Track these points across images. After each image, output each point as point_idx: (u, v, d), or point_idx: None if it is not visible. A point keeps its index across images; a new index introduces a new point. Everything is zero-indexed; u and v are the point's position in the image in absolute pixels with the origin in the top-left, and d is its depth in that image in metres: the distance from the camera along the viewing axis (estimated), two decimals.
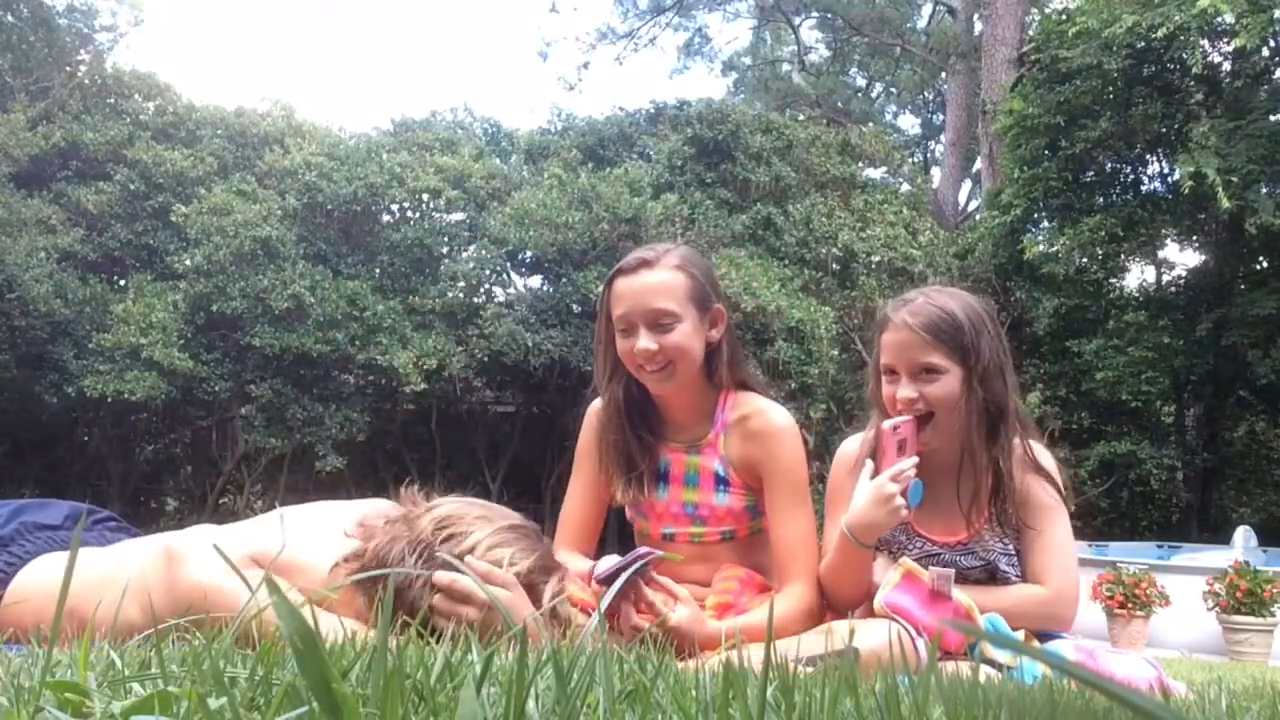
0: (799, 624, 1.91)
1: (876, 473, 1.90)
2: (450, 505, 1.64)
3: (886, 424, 1.90)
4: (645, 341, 2.01)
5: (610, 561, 1.85)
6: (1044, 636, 1.96)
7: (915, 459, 1.87)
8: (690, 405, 2.13)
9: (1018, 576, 1.98)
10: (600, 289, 2.23)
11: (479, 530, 1.59)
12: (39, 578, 1.68)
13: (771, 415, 2.09)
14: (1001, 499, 1.95)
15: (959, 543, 1.99)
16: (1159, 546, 10.41)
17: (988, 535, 1.98)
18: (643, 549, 1.82)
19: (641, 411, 2.16)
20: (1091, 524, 12.43)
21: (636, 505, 2.20)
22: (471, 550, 1.56)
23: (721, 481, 2.11)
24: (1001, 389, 1.94)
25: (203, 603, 1.40)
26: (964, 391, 1.91)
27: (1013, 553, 1.98)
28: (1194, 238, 14.09)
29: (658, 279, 2.06)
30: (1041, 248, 12.54)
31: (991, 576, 1.98)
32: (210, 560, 1.48)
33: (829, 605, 2.02)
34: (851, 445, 2.11)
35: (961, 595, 1.85)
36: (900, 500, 1.84)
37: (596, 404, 2.25)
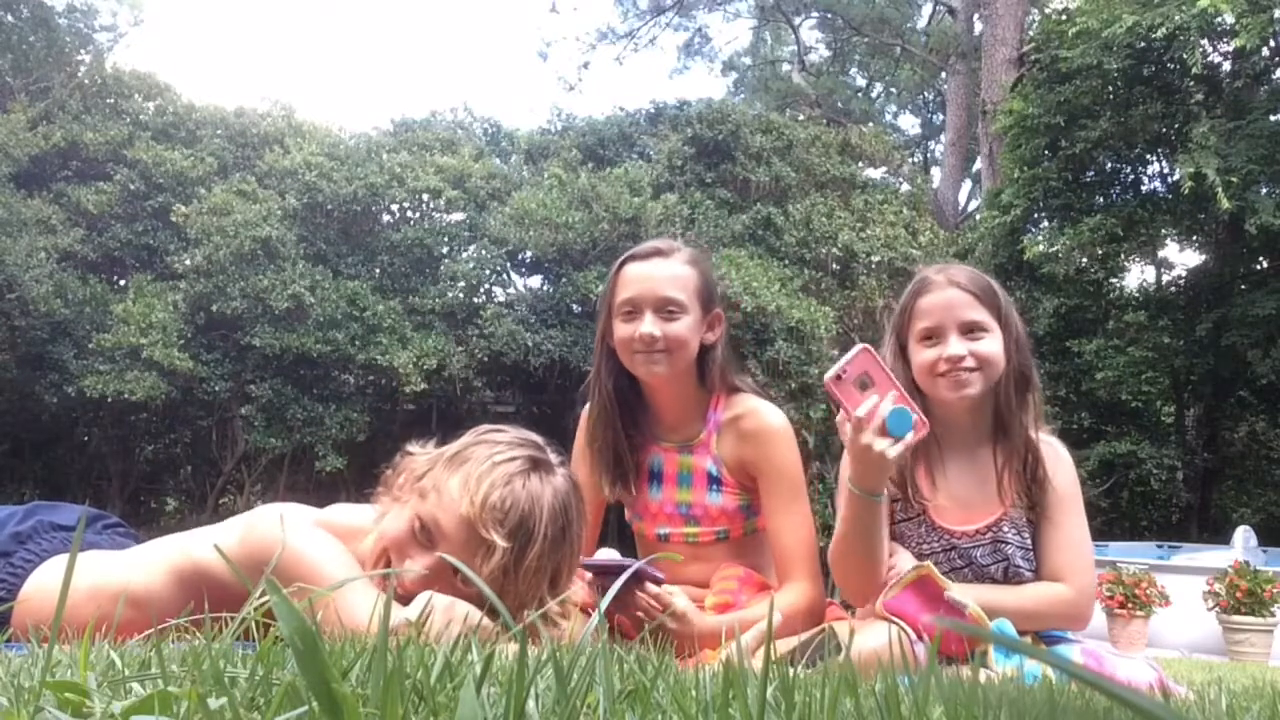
0: (800, 622, 1.90)
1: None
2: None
3: (828, 375, 1.78)
4: (650, 326, 2.02)
5: (606, 554, 1.85)
6: (1049, 640, 1.93)
7: (894, 393, 1.76)
8: (681, 404, 2.14)
9: (1031, 572, 1.92)
10: (601, 289, 2.23)
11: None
12: (58, 578, 1.69)
13: (765, 415, 2.08)
14: (1030, 470, 1.91)
15: (978, 532, 1.92)
16: (1159, 546, 10.41)
17: (1007, 526, 1.92)
18: (641, 565, 1.79)
19: (632, 410, 2.16)
20: (1091, 524, 12.30)
21: (632, 506, 2.21)
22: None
23: (714, 481, 2.11)
24: (1029, 361, 1.95)
25: (293, 566, 1.46)
26: (1004, 354, 1.91)
27: (1029, 546, 1.93)
28: (1194, 238, 14.10)
29: (671, 268, 2.08)
30: (1041, 248, 12.53)
31: (1004, 573, 1.92)
32: (291, 526, 1.52)
33: (845, 591, 1.97)
34: None
35: (974, 607, 1.77)
36: (881, 441, 1.72)
37: (590, 408, 2.25)
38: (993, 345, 1.90)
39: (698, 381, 2.12)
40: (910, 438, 1.74)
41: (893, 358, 1.98)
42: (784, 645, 1.68)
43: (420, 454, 1.68)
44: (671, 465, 2.14)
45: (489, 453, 1.61)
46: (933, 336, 1.92)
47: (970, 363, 1.88)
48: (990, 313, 1.91)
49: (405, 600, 1.52)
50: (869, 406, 1.73)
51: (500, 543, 1.53)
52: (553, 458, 1.67)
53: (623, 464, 2.14)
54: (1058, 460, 1.95)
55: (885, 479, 1.80)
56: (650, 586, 1.81)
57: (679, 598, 1.81)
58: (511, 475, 1.58)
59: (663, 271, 2.07)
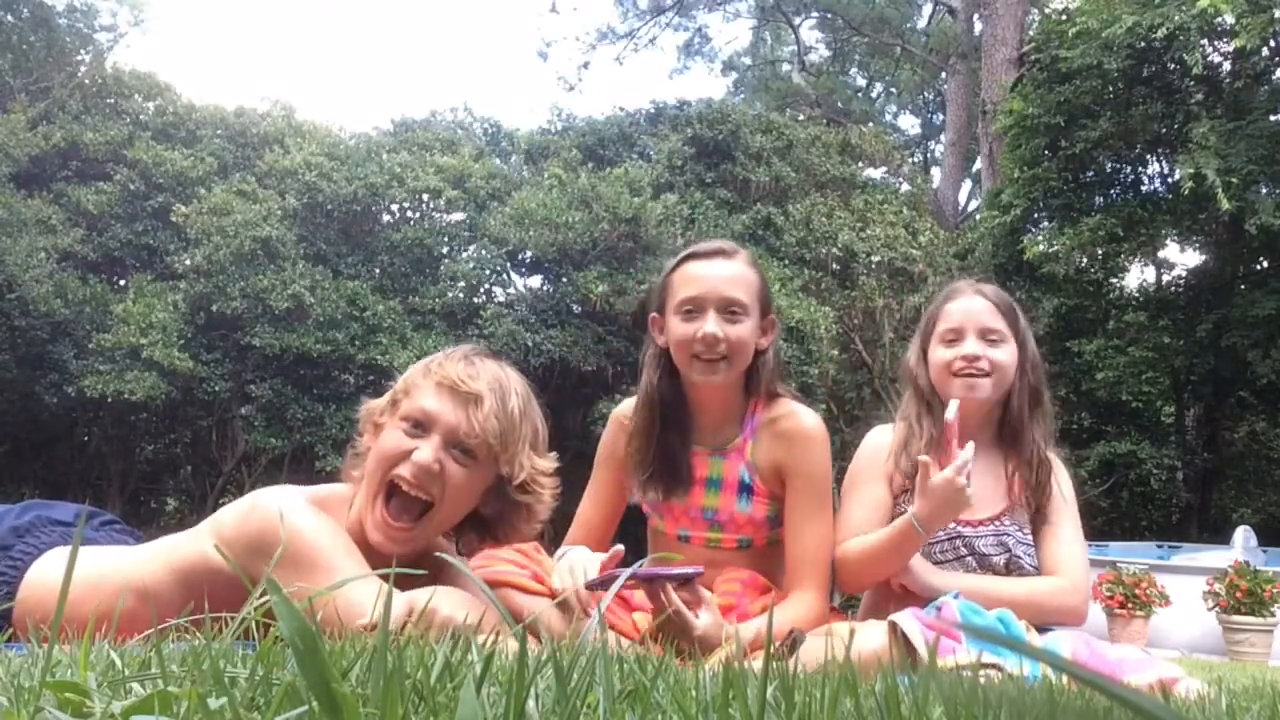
0: (806, 629, 1.89)
1: (943, 463, 1.91)
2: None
3: (949, 415, 1.94)
4: (713, 326, 1.97)
5: (641, 567, 1.81)
6: (1044, 627, 1.97)
7: (971, 445, 1.91)
8: (723, 408, 2.09)
9: (1033, 568, 2.04)
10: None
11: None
12: (59, 570, 1.70)
13: (803, 417, 2.06)
14: (1037, 480, 2.07)
15: (981, 523, 2.05)
16: (1159, 546, 10.41)
17: (1008, 521, 2.05)
18: (687, 569, 1.75)
19: (674, 413, 2.10)
20: (1091, 524, 12.40)
21: (654, 505, 2.16)
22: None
23: (746, 489, 2.07)
24: (1041, 379, 2.14)
25: (293, 550, 1.49)
26: (1017, 372, 2.08)
27: (1030, 543, 2.06)
28: (1194, 238, 14.08)
29: (735, 269, 2.04)
30: (1041, 248, 12.52)
31: (1006, 565, 2.03)
32: (290, 508, 1.57)
33: (845, 585, 2.06)
34: (882, 436, 2.15)
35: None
36: (968, 490, 1.88)
37: (618, 411, 2.21)
38: (1006, 355, 2.07)
39: (742, 386, 2.08)
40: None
41: (916, 361, 2.15)
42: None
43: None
44: (702, 468, 2.09)
45: (434, 355, 1.79)
46: (953, 339, 2.08)
47: (984, 365, 2.04)
48: (1008, 326, 2.09)
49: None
50: (967, 458, 1.88)
51: (483, 389, 1.65)
52: None
53: (677, 469, 2.08)
54: (1058, 472, 2.13)
55: (952, 520, 1.96)
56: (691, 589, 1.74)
57: (704, 614, 1.73)
58: (465, 354, 1.74)
59: (726, 271, 2.03)
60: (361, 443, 1.77)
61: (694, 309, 2.00)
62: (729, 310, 1.99)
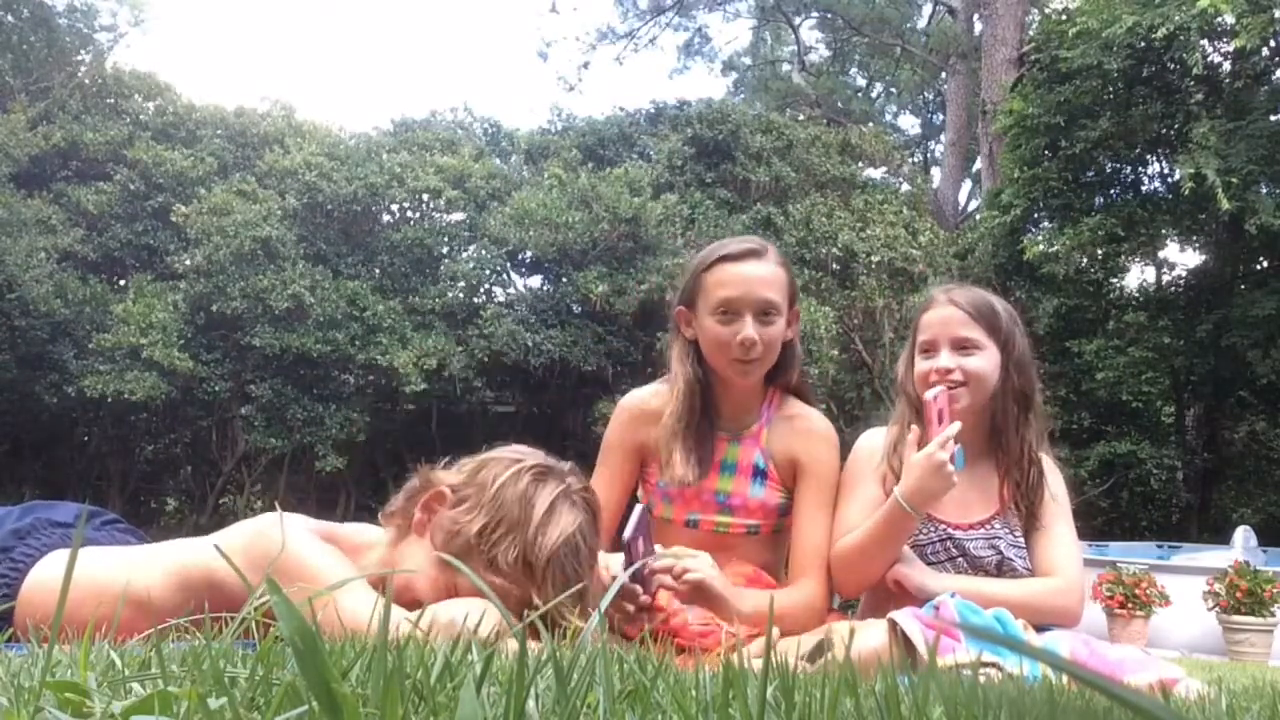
0: (807, 617, 1.94)
1: (924, 441, 1.94)
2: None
3: (929, 394, 1.96)
4: (750, 330, 2.01)
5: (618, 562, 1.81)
6: (1042, 627, 1.98)
7: (958, 424, 1.93)
8: (748, 396, 2.16)
9: (1025, 569, 2.04)
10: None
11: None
12: (59, 573, 1.69)
13: (819, 420, 2.16)
14: (1028, 482, 2.06)
15: (971, 526, 2.05)
16: (1159, 546, 10.41)
17: (999, 524, 2.05)
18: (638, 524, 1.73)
19: (704, 401, 2.16)
20: (1091, 524, 12.42)
21: (666, 489, 2.16)
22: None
23: (760, 474, 2.11)
24: (1030, 380, 2.10)
25: (295, 570, 1.48)
26: (1000, 375, 2.06)
27: (1022, 545, 2.06)
28: (1194, 238, 14.08)
29: (768, 269, 2.08)
30: (1041, 248, 12.52)
31: (998, 567, 2.03)
32: (296, 535, 1.55)
33: (842, 586, 2.07)
34: (875, 438, 2.16)
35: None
36: (950, 466, 1.89)
37: (629, 400, 2.23)
38: (981, 362, 2.04)
39: (764, 377, 2.15)
40: (959, 470, 1.93)
41: (904, 372, 2.16)
42: (783, 646, 1.68)
43: (440, 473, 1.70)
44: (719, 452, 2.14)
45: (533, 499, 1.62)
46: (929, 350, 2.08)
47: (958, 376, 2.03)
48: (986, 333, 2.06)
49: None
50: (950, 435, 1.90)
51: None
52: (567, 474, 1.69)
53: (703, 453, 2.11)
54: (1050, 474, 2.12)
55: (938, 500, 1.95)
56: (658, 562, 1.77)
57: (700, 565, 1.81)
58: (550, 502, 1.61)
59: (761, 273, 2.07)
60: (421, 500, 1.68)
61: (730, 311, 2.04)
62: (764, 312, 2.04)
